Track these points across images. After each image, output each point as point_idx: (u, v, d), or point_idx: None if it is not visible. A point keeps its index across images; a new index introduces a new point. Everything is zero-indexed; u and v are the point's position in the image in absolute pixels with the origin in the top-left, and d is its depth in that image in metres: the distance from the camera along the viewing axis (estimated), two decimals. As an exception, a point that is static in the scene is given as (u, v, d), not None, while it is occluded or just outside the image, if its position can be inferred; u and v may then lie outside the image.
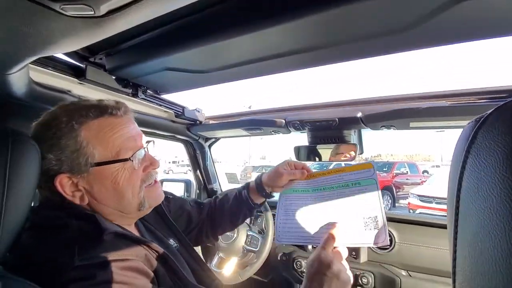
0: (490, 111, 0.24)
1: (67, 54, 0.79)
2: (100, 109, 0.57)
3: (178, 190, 1.65)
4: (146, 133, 1.31)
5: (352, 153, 1.11)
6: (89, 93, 0.91)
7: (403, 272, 1.11)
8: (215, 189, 1.73)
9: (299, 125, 1.14)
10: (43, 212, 0.55)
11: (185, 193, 1.65)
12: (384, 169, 9.04)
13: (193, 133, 1.48)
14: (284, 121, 1.18)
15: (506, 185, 0.20)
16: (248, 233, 1.33)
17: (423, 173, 10.73)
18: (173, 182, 1.82)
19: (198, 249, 1.45)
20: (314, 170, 0.75)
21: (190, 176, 1.78)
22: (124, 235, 0.54)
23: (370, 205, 0.62)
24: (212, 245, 1.44)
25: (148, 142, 0.64)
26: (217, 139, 1.65)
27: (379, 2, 0.51)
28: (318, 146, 1.19)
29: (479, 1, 0.49)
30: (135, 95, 0.99)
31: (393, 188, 8.33)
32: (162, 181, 1.73)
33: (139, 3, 0.37)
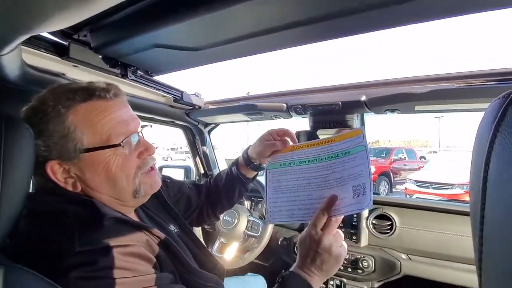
0: None
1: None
2: (88, 92, 0.54)
3: (177, 176, 1.64)
4: (144, 118, 1.29)
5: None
6: (84, 76, 0.88)
7: (403, 256, 1.12)
8: (215, 176, 1.72)
9: (301, 109, 1.12)
10: (39, 198, 0.54)
11: (185, 180, 1.64)
12: (382, 155, 9.09)
13: (192, 119, 1.45)
14: (285, 105, 1.15)
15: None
16: (249, 218, 1.33)
17: (420, 158, 10.81)
18: (173, 168, 1.81)
19: (199, 234, 1.46)
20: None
21: (189, 163, 1.77)
22: (124, 220, 0.53)
23: (359, 173, 0.59)
24: (213, 230, 1.44)
25: (143, 126, 0.61)
26: (216, 125, 1.63)
27: None
28: (319, 131, 1.17)
29: None
30: (124, 75, 0.93)
31: (391, 173, 8.42)
32: (161, 168, 1.72)
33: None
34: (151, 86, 1.08)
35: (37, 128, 0.51)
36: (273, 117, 1.25)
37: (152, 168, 0.61)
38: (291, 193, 0.66)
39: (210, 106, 1.41)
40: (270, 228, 1.28)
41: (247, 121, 1.42)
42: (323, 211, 0.58)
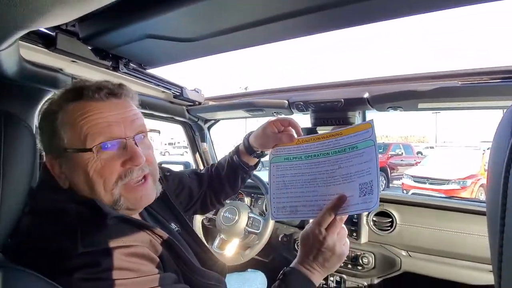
0: None
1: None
2: (77, 92, 0.53)
3: (177, 172, 1.63)
4: (144, 115, 1.27)
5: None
6: (82, 71, 0.86)
7: (403, 253, 1.13)
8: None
9: (302, 106, 1.11)
10: (40, 196, 0.53)
11: (185, 170, 1.63)
12: (380, 150, 9.12)
13: (192, 115, 1.44)
14: (287, 102, 1.14)
15: None
16: (250, 215, 1.33)
17: (417, 154, 10.87)
18: (172, 164, 1.80)
19: (199, 231, 1.45)
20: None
21: (187, 158, 1.75)
22: (127, 220, 0.52)
23: (367, 170, 0.56)
24: (213, 227, 1.44)
25: (139, 132, 0.56)
26: (216, 121, 1.62)
27: None
28: (319, 128, 1.16)
29: None
30: (116, 68, 0.88)
31: (388, 169, 8.47)
32: (160, 163, 1.71)
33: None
34: (146, 80, 1.04)
35: (39, 123, 0.56)
36: (274, 114, 1.24)
37: (145, 180, 0.56)
38: (295, 189, 0.64)
39: (210, 102, 1.40)
40: (271, 225, 1.28)
41: (248, 117, 1.40)
42: (329, 211, 0.57)
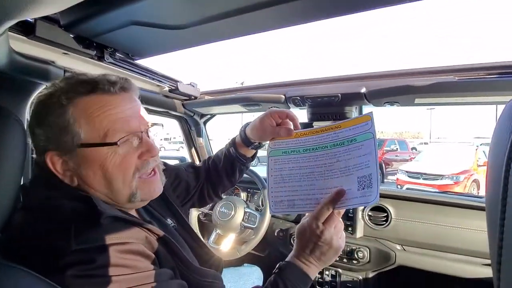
0: None
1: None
2: (92, 85, 0.51)
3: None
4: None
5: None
6: (75, 64, 0.84)
7: (398, 247, 1.14)
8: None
9: (299, 101, 1.10)
10: (33, 192, 0.52)
11: (181, 163, 1.63)
12: (375, 146, 9.20)
13: (188, 109, 1.42)
14: (283, 96, 1.13)
15: None
16: (246, 210, 1.33)
17: (411, 149, 10.99)
18: (168, 160, 1.78)
19: (195, 225, 1.45)
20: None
21: (182, 153, 1.74)
22: (122, 218, 0.52)
23: (365, 163, 0.56)
24: (209, 222, 1.44)
25: (153, 124, 0.58)
26: (212, 116, 1.60)
27: None
28: (315, 123, 1.16)
29: None
30: (100, 58, 0.84)
31: (383, 164, 8.55)
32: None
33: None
34: (138, 73, 1.01)
35: (38, 118, 0.51)
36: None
37: (154, 172, 0.58)
38: (293, 183, 0.63)
39: (206, 97, 1.38)
40: (267, 219, 1.28)
41: (244, 112, 1.39)
42: (327, 205, 0.56)
